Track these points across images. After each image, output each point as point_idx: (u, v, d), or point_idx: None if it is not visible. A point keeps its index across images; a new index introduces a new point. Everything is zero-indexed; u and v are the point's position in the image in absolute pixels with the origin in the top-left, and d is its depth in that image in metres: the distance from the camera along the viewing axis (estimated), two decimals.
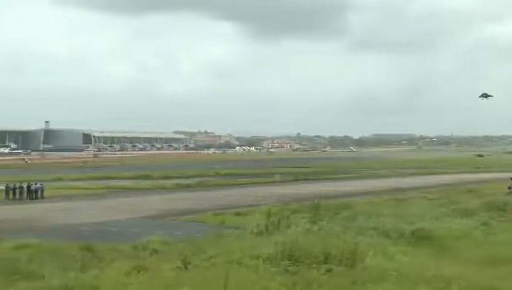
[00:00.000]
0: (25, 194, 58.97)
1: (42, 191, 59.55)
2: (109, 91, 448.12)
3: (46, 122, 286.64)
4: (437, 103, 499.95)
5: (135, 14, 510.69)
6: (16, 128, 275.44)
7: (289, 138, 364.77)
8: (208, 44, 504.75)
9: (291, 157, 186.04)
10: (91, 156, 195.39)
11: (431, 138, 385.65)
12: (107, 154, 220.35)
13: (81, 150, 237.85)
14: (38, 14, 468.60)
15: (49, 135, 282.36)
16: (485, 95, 71.93)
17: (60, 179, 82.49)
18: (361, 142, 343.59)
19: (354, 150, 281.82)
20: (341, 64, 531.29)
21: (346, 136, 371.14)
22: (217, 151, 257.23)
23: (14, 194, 59.03)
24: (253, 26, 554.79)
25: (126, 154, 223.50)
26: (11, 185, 60.62)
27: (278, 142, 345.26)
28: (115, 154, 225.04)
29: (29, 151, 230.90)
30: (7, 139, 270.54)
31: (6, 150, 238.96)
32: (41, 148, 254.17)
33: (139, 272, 14.25)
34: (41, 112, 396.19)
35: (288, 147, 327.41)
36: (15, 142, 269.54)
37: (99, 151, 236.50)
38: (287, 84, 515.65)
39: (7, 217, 43.24)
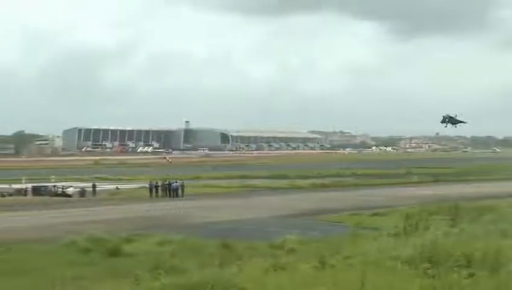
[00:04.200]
0: (166, 192, 61.33)
1: (182, 189, 61.65)
2: (247, 91, 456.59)
3: (187, 122, 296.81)
4: None
5: (274, 16, 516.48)
6: (159, 128, 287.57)
7: (427, 138, 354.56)
8: (346, 43, 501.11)
9: (430, 158, 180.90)
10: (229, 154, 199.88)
11: None
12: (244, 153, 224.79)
13: (219, 149, 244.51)
14: (182, 19, 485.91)
15: (189, 134, 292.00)
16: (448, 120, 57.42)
17: (198, 178, 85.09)
18: (506, 143, 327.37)
19: (497, 150, 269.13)
20: (482, 62, 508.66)
21: (489, 137, 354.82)
22: (353, 151, 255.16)
23: (157, 191, 61.54)
24: (391, 25, 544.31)
25: (262, 153, 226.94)
26: (154, 183, 63.29)
27: (415, 142, 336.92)
28: (252, 153, 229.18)
29: (170, 150, 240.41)
30: (150, 139, 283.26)
31: (150, 149, 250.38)
32: (181, 147, 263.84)
33: (276, 270, 14.36)
34: (182, 112, 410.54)
35: (427, 147, 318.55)
36: (157, 141, 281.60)
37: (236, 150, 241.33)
38: (424, 83, 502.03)
39: (150, 214, 45.20)
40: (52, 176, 77.73)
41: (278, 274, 13.69)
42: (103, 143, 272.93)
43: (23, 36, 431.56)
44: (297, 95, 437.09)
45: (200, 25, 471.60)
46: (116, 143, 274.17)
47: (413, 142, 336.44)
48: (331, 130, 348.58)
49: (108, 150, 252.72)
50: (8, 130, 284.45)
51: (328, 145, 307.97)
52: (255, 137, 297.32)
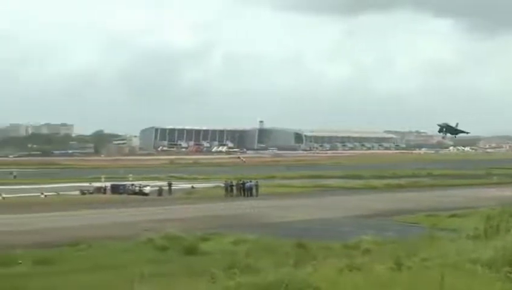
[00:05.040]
0: (240, 191, 61.77)
1: (256, 188, 61.93)
2: (322, 91, 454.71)
3: (261, 122, 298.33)
4: None
5: (347, 15, 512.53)
6: (233, 127, 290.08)
7: (508, 138, 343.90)
8: (422, 41, 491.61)
9: (511, 158, 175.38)
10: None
11: None
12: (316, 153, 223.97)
13: (293, 149, 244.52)
14: (261, 19, 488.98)
15: (263, 134, 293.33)
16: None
17: (273, 177, 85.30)
18: None
19: None
20: None
21: None
22: (429, 151, 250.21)
23: (232, 191, 62.06)
24: (468, 23, 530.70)
25: (336, 153, 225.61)
26: (229, 183, 63.87)
27: (495, 142, 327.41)
28: (326, 153, 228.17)
29: (244, 149, 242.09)
30: (225, 138, 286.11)
31: (224, 149, 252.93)
32: (255, 147, 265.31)
33: (351, 270, 14.25)
34: (257, 112, 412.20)
35: (508, 147, 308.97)
36: (232, 141, 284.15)
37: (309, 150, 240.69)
38: (504, 81, 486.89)
39: (225, 213, 45.63)
40: (130, 175, 79.55)
41: (353, 275, 13.59)
42: (178, 143, 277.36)
43: (103, 37, 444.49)
44: (372, 95, 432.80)
45: (274, 25, 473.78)
46: (191, 143, 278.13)
47: (492, 142, 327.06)
48: (406, 129, 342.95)
49: (183, 149, 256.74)
50: (88, 130, 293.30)
51: (404, 145, 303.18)
52: (329, 137, 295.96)
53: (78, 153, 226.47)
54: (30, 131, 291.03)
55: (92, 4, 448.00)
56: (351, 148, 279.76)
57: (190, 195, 61.89)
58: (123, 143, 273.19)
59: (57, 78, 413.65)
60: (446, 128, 52.12)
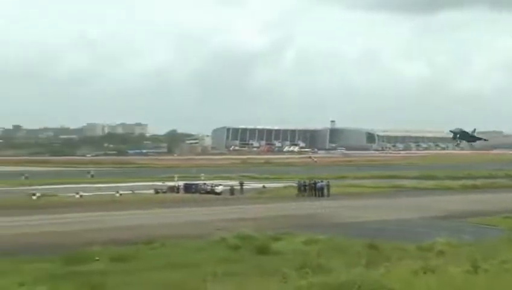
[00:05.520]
0: (312, 191, 61.51)
1: (328, 188, 61.58)
2: (395, 90, 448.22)
3: (332, 121, 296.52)
4: None
5: (421, 13, 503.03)
6: (305, 127, 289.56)
7: None
8: (499, 39, 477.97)
9: None
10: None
11: None
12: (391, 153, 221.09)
13: (365, 149, 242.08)
14: (332, 18, 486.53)
15: (334, 134, 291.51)
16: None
17: (344, 177, 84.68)
18: None
19: None
20: None
21: None
22: (508, 152, 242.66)
23: (305, 190, 61.92)
24: None
25: (410, 153, 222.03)
26: (302, 182, 63.78)
27: None
28: (399, 153, 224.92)
29: (316, 149, 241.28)
30: (296, 138, 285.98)
31: (296, 149, 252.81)
32: (327, 147, 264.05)
33: (425, 272, 14.02)
34: (328, 112, 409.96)
35: None
36: (303, 141, 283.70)
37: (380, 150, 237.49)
38: None
39: (296, 213, 45.62)
40: (202, 174, 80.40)
41: (427, 277, 13.37)
42: (250, 142, 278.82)
43: (176, 36, 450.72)
44: (448, 94, 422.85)
45: (346, 24, 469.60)
46: (263, 142, 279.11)
47: None
48: (483, 129, 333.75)
49: (255, 149, 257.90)
50: (162, 130, 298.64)
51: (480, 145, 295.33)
52: (403, 137, 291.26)
53: (152, 152, 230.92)
54: (106, 131, 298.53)
55: (163, 3, 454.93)
56: (425, 149, 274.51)
57: (261, 195, 62.07)
58: (195, 143, 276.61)
59: (132, 78, 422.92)
60: (460, 135, 49.24)
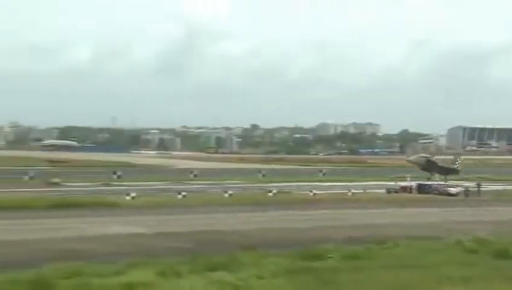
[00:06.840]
0: None
1: None
2: None
3: None
4: None
5: None
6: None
7: None
8: None
9: None
10: None
11: None
12: None
13: None
14: None
15: None
16: None
17: None
18: None
19: None
20: None
21: None
22: None
23: None
24: None
25: None
26: None
27: None
28: None
29: None
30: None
31: None
32: None
33: None
34: None
35: None
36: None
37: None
38: None
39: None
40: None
41: None
42: (488, 142, 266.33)
43: (405, 38, 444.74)
44: None
45: None
46: (504, 143, 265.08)
47: None
48: None
49: (493, 149, 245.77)
50: (394, 129, 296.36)
51: None
52: None
53: (384, 151, 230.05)
54: (338, 130, 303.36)
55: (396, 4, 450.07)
56: None
57: (500, 197, 59.05)
58: (429, 142, 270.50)
59: (362, 78, 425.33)
60: None
